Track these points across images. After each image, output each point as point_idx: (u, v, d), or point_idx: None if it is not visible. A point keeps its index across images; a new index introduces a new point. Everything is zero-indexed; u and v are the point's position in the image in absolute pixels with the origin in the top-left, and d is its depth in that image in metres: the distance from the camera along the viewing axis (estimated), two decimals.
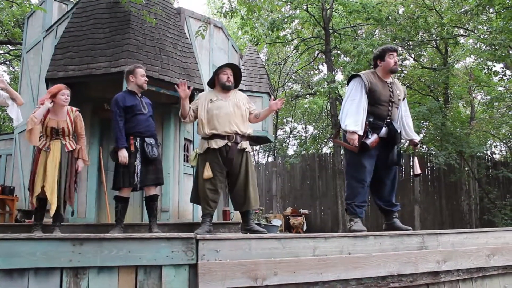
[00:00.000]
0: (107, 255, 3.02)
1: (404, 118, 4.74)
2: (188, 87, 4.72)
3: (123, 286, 3.06)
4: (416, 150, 4.71)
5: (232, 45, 10.71)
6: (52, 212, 4.55)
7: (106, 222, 6.63)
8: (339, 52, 16.94)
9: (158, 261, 3.10)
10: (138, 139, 4.82)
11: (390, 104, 4.54)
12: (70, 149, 4.80)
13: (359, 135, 4.38)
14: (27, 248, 2.91)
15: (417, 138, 4.84)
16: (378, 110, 4.51)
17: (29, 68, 9.79)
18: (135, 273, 3.10)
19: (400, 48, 15.65)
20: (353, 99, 4.47)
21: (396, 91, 4.61)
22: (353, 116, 4.41)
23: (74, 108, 5.00)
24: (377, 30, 16.00)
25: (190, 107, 4.71)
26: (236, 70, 4.90)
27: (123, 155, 4.71)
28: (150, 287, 3.11)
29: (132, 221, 6.72)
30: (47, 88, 7.53)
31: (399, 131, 4.52)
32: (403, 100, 4.73)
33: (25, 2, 13.38)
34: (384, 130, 4.50)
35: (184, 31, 8.71)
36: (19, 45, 16.03)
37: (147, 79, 5.09)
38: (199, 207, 4.75)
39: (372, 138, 4.41)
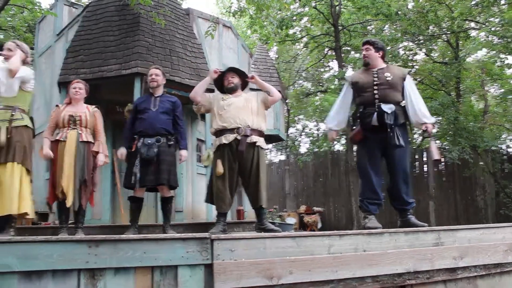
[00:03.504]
0: (123, 256, 3.04)
1: (411, 102, 4.55)
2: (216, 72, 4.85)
3: (139, 287, 3.08)
4: (430, 134, 4.57)
5: (242, 44, 10.71)
6: (69, 202, 4.51)
7: (121, 224, 6.66)
8: (349, 48, 16.87)
9: (174, 261, 3.12)
10: (141, 139, 4.80)
11: (376, 87, 4.53)
12: (85, 139, 4.75)
13: (335, 131, 4.85)
14: (44, 250, 2.95)
15: (429, 120, 4.56)
16: (364, 97, 4.58)
17: (42, 72, 9.87)
18: (151, 274, 3.11)
19: (410, 43, 15.57)
20: (338, 98, 4.85)
21: (385, 73, 4.57)
22: (330, 115, 4.87)
23: (93, 106, 5.02)
24: (386, 26, 15.89)
25: (204, 94, 4.80)
26: (238, 71, 4.92)
27: (120, 152, 4.93)
28: (166, 287, 3.12)
29: (146, 222, 6.75)
30: (60, 92, 7.61)
31: (389, 112, 4.40)
32: (403, 80, 4.59)
33: (36, 7, 13.46)
34: (374, 116, 4.45)
35: (193, 31, 8.73)
36: (31, 50, 16.15)
37: (154, 77, 5.06)
38: (213, 207, 4.76)
39: (354, 131, 4.59)
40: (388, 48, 13.37)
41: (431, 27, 14.71)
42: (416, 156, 14.31)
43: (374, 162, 4.56)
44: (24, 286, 2.91)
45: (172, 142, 4.92)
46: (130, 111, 5.30)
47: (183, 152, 5.02)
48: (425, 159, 14.18)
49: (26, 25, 15.26)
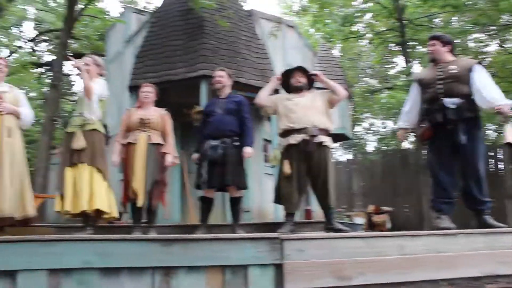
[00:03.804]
0: (195, 255, 3.11)
1: (479, 90, 4.26)
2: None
3: (210, 286, 3.14)
4: (506, 117, 4.25)
5: (305, 44, 10.66)
6: (140, 202, 4.66)
7: (191, 223, 6.81)
8: (415, 43, 16.35)
9: (244, 261, 3.15)
10: (208, 141, 4.88)
11: (439, 82, 4.36)
12: (155, 141, 4.87)
13: (404, 129, 4.79)
14: (121, 248, 3.08)
15: (503, 103, 4.18)
16: (429, 94, 4.45)
17: (112, 78, 10.27)
18: (222, 273, 3.16)
19: (481, 35, 14.86)
20: (408, 97, 4.84)
21: (450, 66, 4.38)
22: (401, 114, 4.86)
23: (162, 109, 5.16)
24: (454, 18, 15.23)
25: (269, 97, 4.87)
26: (305, 71, 4.90)
27: (193, 157, 5.10)
28: (237, 286, 3.16)
29: (215, 222, 6.86)
30: (130, 96, 7.91)
31: (453, 106, 4.22)
32: (470, 71, 4.33)
33: (107, 16, 14.11)
34: (439, 112, 4.30)
35: (257, 32, 8.78)
36: (102, 57, 16.92)
37: (218, 79, 5.14)
38: (280, 206, 4.76)
39: (422, 129, 4.46)
40: (457, 41, 12.82)
41: (504, 16, 13.95)
42: (491, 153, 13.60)
43: (444, 160, 4.39)
44: (103, 282, 3.06)
45: (238, 143, 4.92)
46: (198, 113, 5.42)
47: (247, 149, 4.93)
48: (500, 156, 13.46)
49: (98, 33, 16.00)
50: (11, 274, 2.99)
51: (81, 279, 3.03)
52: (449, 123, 4.23)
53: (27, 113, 4.82)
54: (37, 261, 3.00)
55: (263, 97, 4.83)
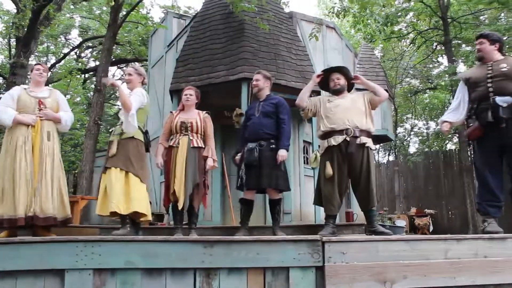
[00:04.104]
0: (236, 256, 3.12)
1: None
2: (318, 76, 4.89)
3: (252, 287, 3.13)
4: None
5: (346, 45, 10.56)
6: (181, 204, 4.70)
7: (231, 225, 6.84)
8: (460, 42, 15.92)
9: (285, 263, 3.14)
10: (246, 144, 4.93)
11: (490, 80, 4.22)
12: (196, 145, 4.92)
13: (449, 122, 4.55)
14: (163, 250, 3.12)
15: None
16: (478, 92, 4.30)
17: (155, 82, 10.49)
18: (263, 275, 3.16)
19: None
20: (454, 98, 4.65)
21: (501, 64, 4.25)
22: (447, 111, 4.63)
23: (204, 112, 5.22)
24: (502, 14, 14.75)
25: (309, 98, 4.82)
26: (343, 71, 4.86)
27: (234, 159, 5.09)
28: None
29: (255, 224, 6.87)
30: (172, 100, 8.02)
31: (504, 105, 4.07)
32: None
33: (149, 22, 14.41)
34: (489, 111, 4.14)
35: (297, 34, 8.76)
36: (145, 62, 17.28)
37: (255, 83, 5.15)
38: (321, 208, 4.72)
39: (471, 128, 4.31)
40: (506, 38, 12.39)
41: None
42: None
43: (492, 161, 4.24)
44: (146, 282, 3.11)
45: (274, 146, 4.87)
46: (239, 116, 5.46)
47: (282, 152, 4.81)
48: None
49: (140, 39, 16.37)
50: (59, 273, 3.09)
51: (125, 279, 3.09)
52: (501, 121, 4.08)
53: (67, 117, 5.01)
54: (83, 261, 3.08)
55: (304, 98, 4.79)
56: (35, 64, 5.04)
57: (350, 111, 4.53)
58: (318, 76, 4.85)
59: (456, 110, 4.56)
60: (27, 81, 13.95)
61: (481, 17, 15.11)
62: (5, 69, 16.09)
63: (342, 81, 4.76)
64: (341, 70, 4.88)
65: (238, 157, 5.05)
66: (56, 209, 4.65)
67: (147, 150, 4.82)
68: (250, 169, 4.80)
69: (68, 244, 3.15)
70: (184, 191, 4.72)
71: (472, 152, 4.60)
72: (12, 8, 16.93)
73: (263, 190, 4.99)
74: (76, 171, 12.99)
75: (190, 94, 5.14)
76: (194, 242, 3.19)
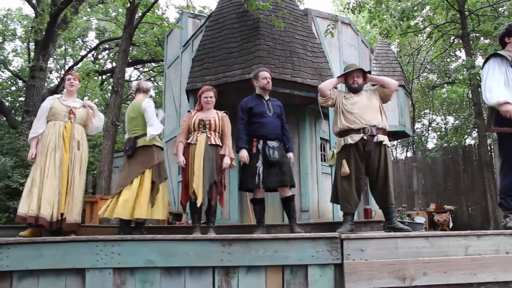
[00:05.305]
0: (254, 255, 3.13)
1: None
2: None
3: (270, 285, 3.14)
4: None
5: (362, 40, 10.49)
6: (200, 201, 4.71)
7: (249, 223, 6.85)
8: (478, 35, 15.68)
9: (304, 260, 3.14)
10: (261, 141, 4.89)
11: None
12: (214, 142, 4.95)
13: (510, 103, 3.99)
14: (182, 248, 3.14)
15: None
16: None
17: (171, 82, 10.55)
18: (282, 273, 3.16)
19: None
20: (492, 75, 4.13)
21: None
22: (497, 89, 4.06)
23: (222, 111, 5.24)
24: None
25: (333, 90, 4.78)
26: (363, 71, 4.82)
27: (242, 155, 4.87)
28: (297, 286, 3.15)
29: (273, 222, 6.87)
30: (188, 99, 8.06)
31: None
32: None
33: (165, 22, 14.49)
34: None
35: (313, 31, 8.73)
36: (161, 62, 17.43)
37: (269, 80, 5.14)
38: (339, 206, 4.70)
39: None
40: None
41: None
42: None
43: None
44: (165, 281, 3.14)
45: (285, 146, 5.09)
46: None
47: (291, 154, 5.13)
48: None
49: (156, 39, 16.47)
50: (80, 272, 3.13)
51: (144, 278, 3.12)
52: None
53: (97, 126, 5.30)
54: (103, 260, 3.12)
55: (329, 86, 4.73)
56: (65, 74, 5.28)
57: (367, 110, 4.52)
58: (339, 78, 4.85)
59: (501, 87, 4.11)
60: (46, 84, 14.17)
61: (499, 9, 14.86)
62: (25, 73, 16.35)
63: (360, 80, 4.74)
64: (362, 70, 4.85)
65: (244, 152, 4.90)
66: (79, 215, 4.83)
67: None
68: (271, 167, 4.82)
69: (88, 243, 3.19)
70: (203, 189, 4.74)
71: (498, 142, 4.39)
72: (30, 12, 17.23)
73: (273, 188, 5.00)
74: (94, 172, 13.12)
75: (210, 96, 5.16)
76: (213, 240, 3.21)
